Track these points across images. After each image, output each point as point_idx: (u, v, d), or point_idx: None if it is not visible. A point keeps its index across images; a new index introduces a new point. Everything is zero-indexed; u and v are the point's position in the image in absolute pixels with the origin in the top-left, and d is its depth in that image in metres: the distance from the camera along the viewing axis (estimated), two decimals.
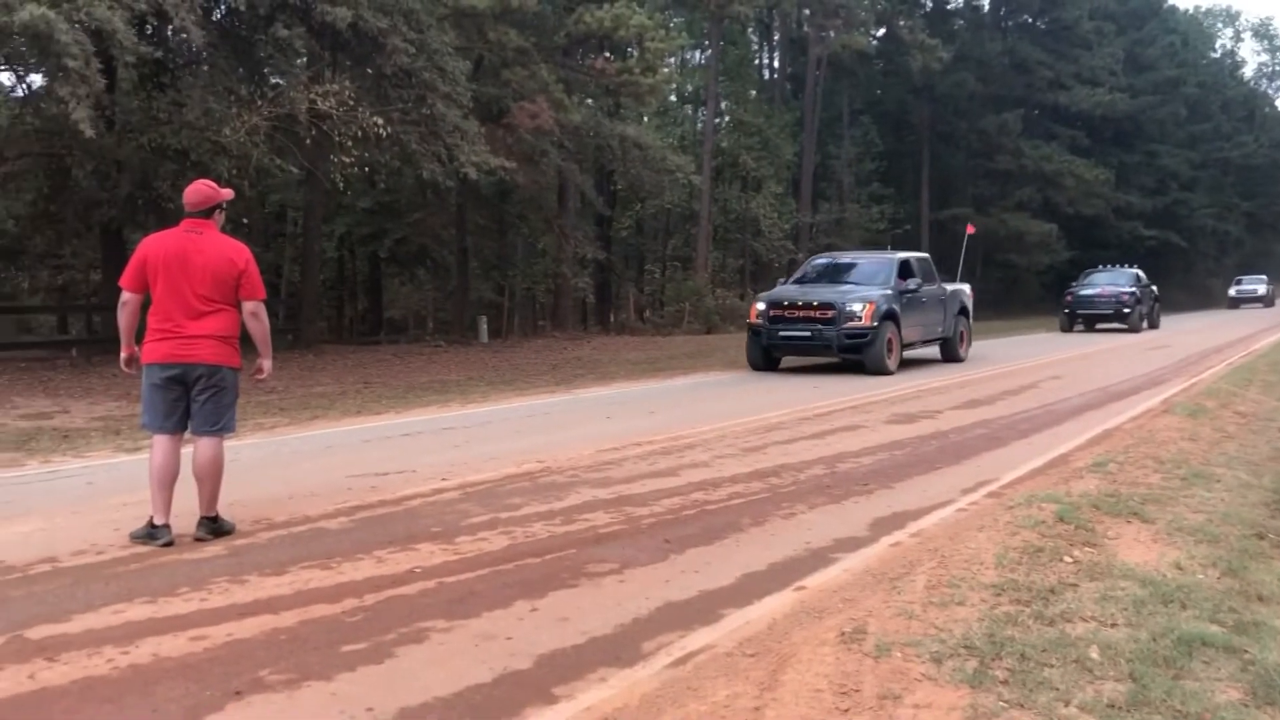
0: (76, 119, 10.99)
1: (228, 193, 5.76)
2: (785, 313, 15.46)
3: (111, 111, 14.19)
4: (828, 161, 41.64)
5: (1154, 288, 30.92)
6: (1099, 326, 29.00)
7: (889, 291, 15.64)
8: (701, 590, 4.62)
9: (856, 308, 15.04)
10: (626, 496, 6.54)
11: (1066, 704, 3.26)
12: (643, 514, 6.06)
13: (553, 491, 6.70)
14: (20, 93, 16.72)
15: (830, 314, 15.08)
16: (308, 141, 15.62)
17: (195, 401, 5.45)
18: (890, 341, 15.29)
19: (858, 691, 3.37)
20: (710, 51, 35.25)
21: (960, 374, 15.52)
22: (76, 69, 10.76)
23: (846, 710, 3.24)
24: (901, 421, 10.12)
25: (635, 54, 24.09)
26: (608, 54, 24.81)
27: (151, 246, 5.51)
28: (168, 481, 5.44)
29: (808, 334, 15.28)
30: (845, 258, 18.31)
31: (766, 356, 16.05)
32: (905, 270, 16.54)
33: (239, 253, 5.54)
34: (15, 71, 16.19)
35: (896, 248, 23.96)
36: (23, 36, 10.53)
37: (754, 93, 41.38)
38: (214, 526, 5.56)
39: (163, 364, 5.39)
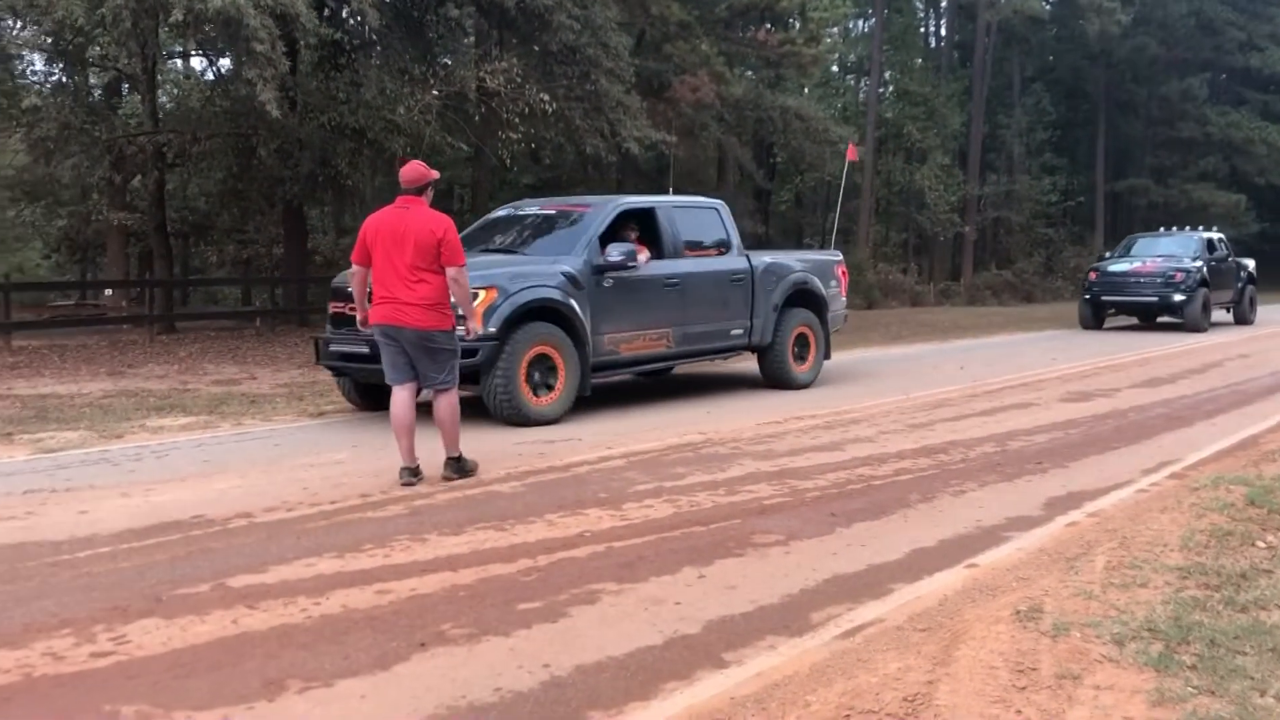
0: (263, 100, 11.59)
1: (435, 173, 6.40)
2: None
3: (294, 92, 14.87)
4: (997, 131, 40.15)
5: (1247, 263, 21.85)
6: (1139, 322, 20.38)
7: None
8: (869, 564, 4.59)
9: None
10: (790, 469, 6.53)
11: (1263, 693, 3.11)
12: (807, 487, 6.05)
13: (715, 462, 6.75)
14: (211, 76, 17.68)
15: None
16: (476, 119, 16.03)
17: (419, 361, 6.16)
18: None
19: (1035, 670, 3.30)
20: (874, 20, 34.45)
21: (1139, 351, 14.81)
22: (263, 52, 11.34)
23: (1024, 688, 3.18)
24: (1075, 400, 9.76)
25: (798, 24, 23.81)
26: (769, 25, 24.54)
27: (370, 223, 6.23)
28: (403, 429, 6.15)
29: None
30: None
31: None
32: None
33: (439, 222, 6.11)
34: (207, 56, 17.12)
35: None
36: (215, 23, 11.14)
37: (920, 61, 40.22)
38: (458, 465, 6.31)
39: (382, 325, 6.16)
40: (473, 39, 17.55)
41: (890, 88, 38.73)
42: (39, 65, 16.61)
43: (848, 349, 15.91)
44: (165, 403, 9.62)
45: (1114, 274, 19.80)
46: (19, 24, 13.29)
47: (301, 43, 12.82)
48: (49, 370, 12.36)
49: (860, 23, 42.12)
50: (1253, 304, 21.77)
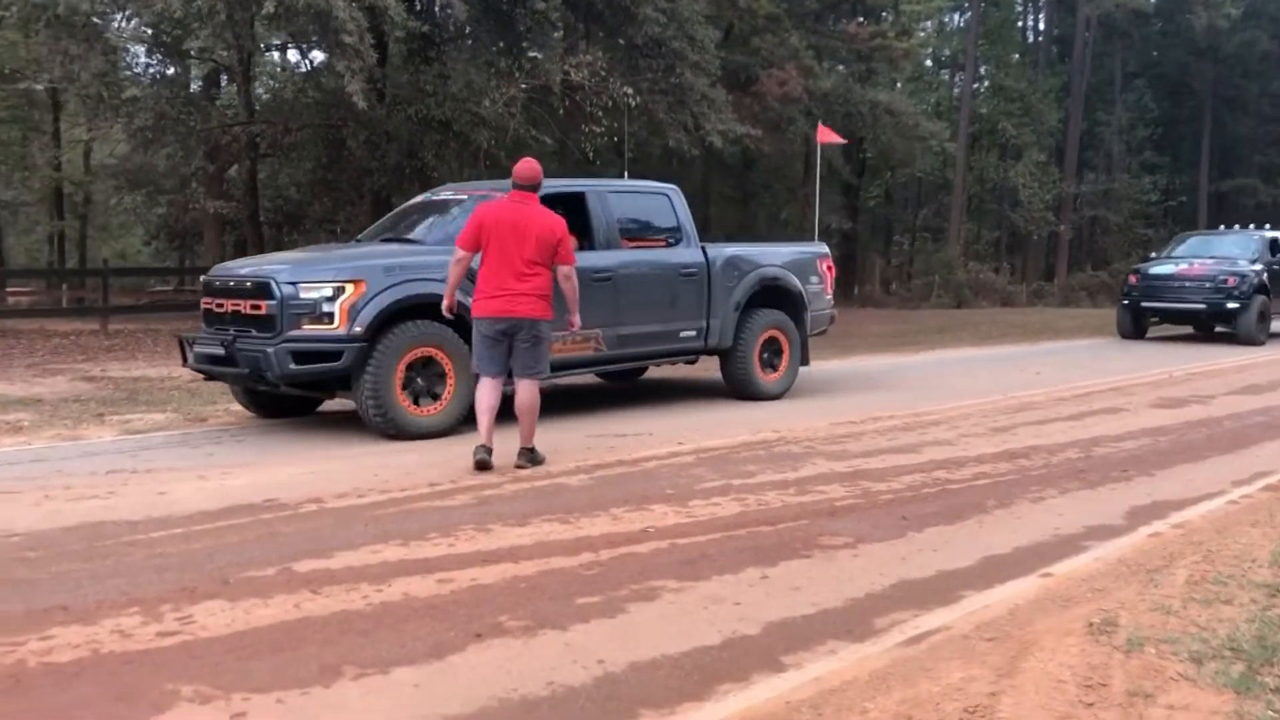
0: (350, 91, 11.78)
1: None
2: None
3: (382, 85, 15.10)
4: (1095, 129, 39.07)
5: None
6: (1181, 332, 18.01)
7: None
8: (939, 570, 4.46)
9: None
10: (863, 471, 6.40)
11: None
12: (880, 489, 5.92)
13: (787, 461, 6.65)
14: (304, 69, 18.04)
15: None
16: (560, 112, 16.09)
17: (517, 349, 6.28)
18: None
19: (1105, 686, 3.16)
20: (970, 14, 33.76)
21: (1241, 357, 14.26)
22: (351, 44, 11.52)
23: (1091, 704, 3.05)
24: (1168, 406, 9.42)
25: (890, 17, 23.42)
26: (861, 18, 24.20)
27: (488, 213, 6.31)
28: (486, 409, 6.30)
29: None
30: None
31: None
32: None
33: (558, 223, 6.33)
34: (300, 49, 17.48)
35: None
36: (306, 15, 11.35)
37: (1016, 56, 39.34)
38: (531, 456, 6.40)
39: (493, 318, 6.22)
40: (561, 33, 17.60)
41: (985, 83, 37.93)
42: (142, 57, 17.11)
43: (931, 349, 15.68)
44: None
45: (1157, 277, 17.37)
46: (122, 16, 13.70)
47: (390, 35, 12.99)
48: (143, 353, 12.75)
49: (956, 16, 41.34)
50: None
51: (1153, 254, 20.49)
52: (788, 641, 3.64)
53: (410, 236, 8.48)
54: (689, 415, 8.62)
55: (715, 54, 17.15)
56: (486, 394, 6.32)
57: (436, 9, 15.01)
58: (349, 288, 7.08)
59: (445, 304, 6.46)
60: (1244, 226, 19.22)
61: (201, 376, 8.25)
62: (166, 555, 4.50)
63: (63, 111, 24.06)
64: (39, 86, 20.12)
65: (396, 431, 7.17)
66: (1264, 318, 16.64)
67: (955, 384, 10.97)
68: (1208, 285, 16.68)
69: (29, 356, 12.31)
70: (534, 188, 6.37)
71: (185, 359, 7.98)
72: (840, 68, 26.82)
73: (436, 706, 3.07)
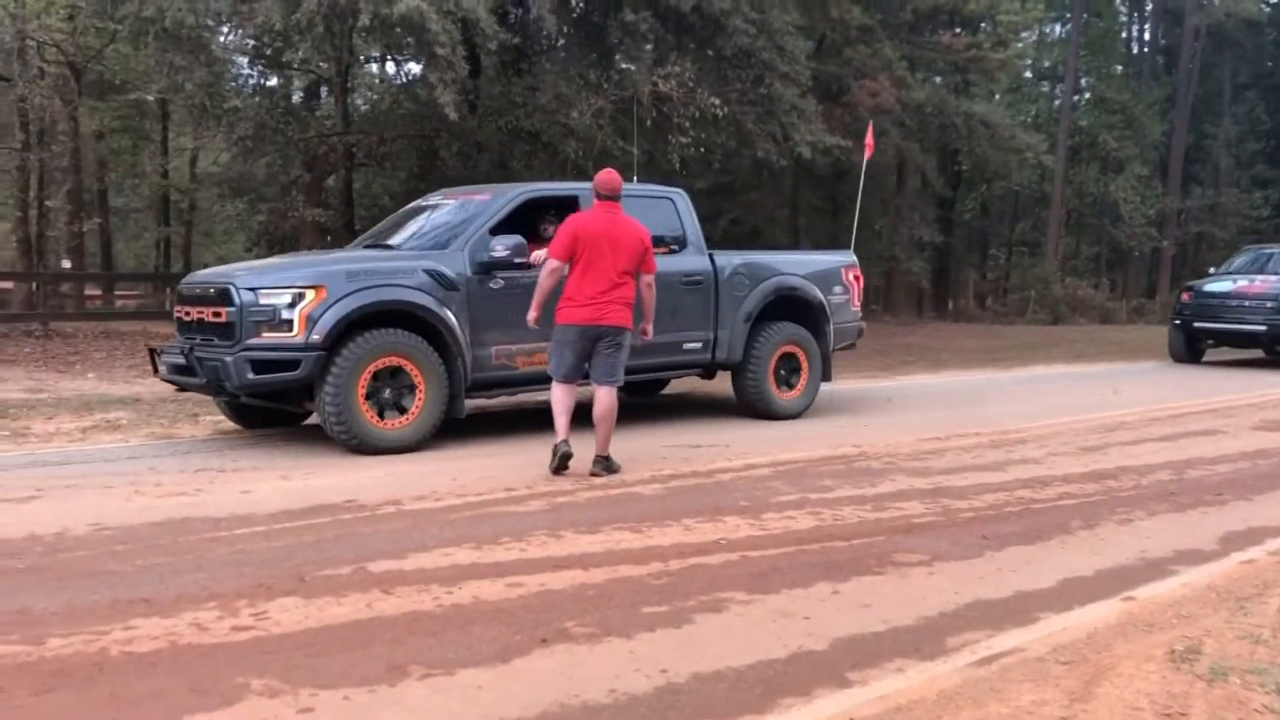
0: (442, 103, 12.00)
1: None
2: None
3: (475, 96, 15.33)
4: (1203, 142, 37.82)
5: None
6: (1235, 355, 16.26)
7: None
8: (1017, 590, 4.35)
9: None
10: (945, 488, 6.28)
11: None
12: (960, 507, 5.80)
13: (866, 477, 6.55)
14: (400, 81, 18.44)
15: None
16: (648, 123, 16.15)
17: (599, 355, 6.35)
18: None
19: (1184, 715, 3.05)
20: (1071, 24, 33.00)
21: None
22: (444, 56, 11.75)
23: None
24: (1270, 428, 9.05)
25: (987, 28, 23.04)
26: (958, 29, 23.83)
27: (582, 224, 6.36)
28: (563, 409, 6.37)
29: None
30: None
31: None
32: None
33: (644, 233, 6.45)
34: (395, 60, 17.86)
35: None
36: (401, 28, 11.61)
37: (1120, 68, 38.32)
38: (606, 464, 6.44)
39: (583, 325, 6.28)
40: (651, 45, 17.68)
41: (1086, 95, 37.02)
42: (244, 69, 17.66)
43: (1024, 366, 15.35)
44: None
45: (1212, 295, 15.43)
46: (226, 29, 14.17)
47: (482, 48, 13.21)
48: None
49: (1056, 27, 40.45)
50: None
51: (1211, 269, 18.57)
52: (855, 658, 3.58)
53: (388, 242, 8.20)
54: (768, 428, 8.55)
55: (806, 65, 17.04)
56: (563, 395, 6.40)
57: (529, 22, 15.19)
58: (308, 294, 6.79)
59: (531, 315, 6.46)
60: None
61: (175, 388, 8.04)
62: (246, 552, 4.61)
63: (170, 121, 24.95)
64: (149, 97, 20.91)
65: (359, 446, 6.84)
66: None
67: (1046, 401, 10.70)
68: (1269, 304, 14.79)
69: (131, 358, 12.76)
70: (616, 197, 6.43)
71: (156, 370, 7.72)
72: (937, 79, 26.43)
73: (499, 709, 3.09)
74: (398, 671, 3.35)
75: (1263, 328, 14.70)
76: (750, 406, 8.91)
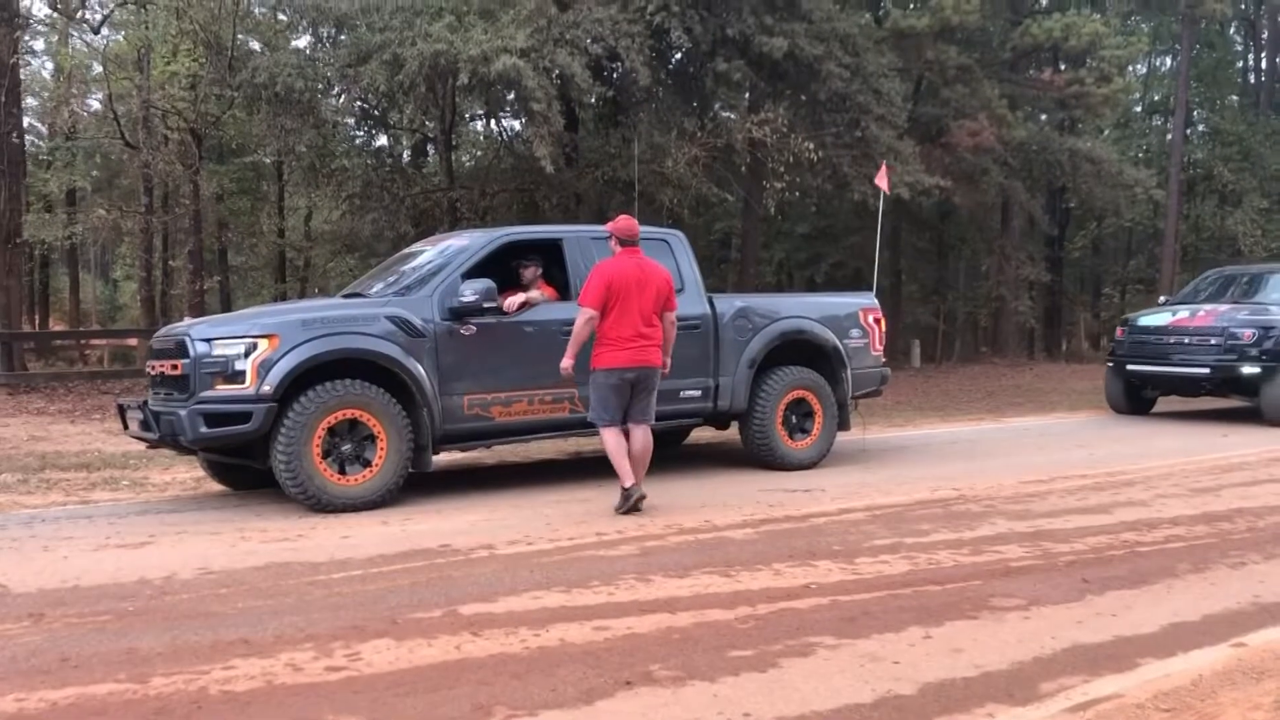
0: (539, 156, 12.29)
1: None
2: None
3: (572, 148, 15.65)
4: None
5: None
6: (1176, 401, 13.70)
7: None
8: (1117, 635, 4.20)
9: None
10: (1046, 531, 6.11)
11: None
12: (1061, 550, 5.63)
13: (964, 520, 6.42)
14: (502, 136, 18.95)
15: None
16: (743, 169, 16.25)
17: (638, 396, 6.63)
18: None
19: None
20: (1181, 56, 32.16)
21: None
22: (540, 111, 12.06)
23: None
24: None
25: (1091, 64, 22.56)
26: (1062, 65, 23.43)
27: (613, 271, 6.56)
28: (624, 452, 6.58)
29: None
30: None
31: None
32: None
33: (667, 274, 6.83)
34: (496, 116, 18.37)
35: None
36: (499, 85, 11.96)
37: (1235, 98, 37.12)
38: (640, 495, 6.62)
39: (625, 368, 6.52)
40: (748, 93, 17.81)
41: (1200, 127, 35.93)
42: (354, 130, 18.32)
43: None
44: None
45: (1147, 330, 12.67)
46: (335, 91, 14.77)
47: (577, 101, 13.53)
48: None
49: (1167, 60, 39.44)
50: None
51: (1163, 297, 15.65)
52: (943, 703, 3.50)
53: (361, 291, 7.94)
54: (866, 472, 8.44)
55: (903, 106, 16.96)
56: (615, 441, 6.59)
57: (623, 75, 15.46)
58: (261, 343, 6.53)
59: (565, 363, 6.59)
60: None
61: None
62: (343, 595, 4.74)
63: (285, 182, 25.98)
64: (265, 159, 21.84)
65: (317, 503, 6.54)
66: None
67: (1157, 443, 10.31)
68: (1214, 341, 11.91)
69: None
70: (636, 241, 6.74)
71: (125, 426, 7.49)
72: (1041, 116, 25.99)
73: None
74: (481, 711, 3.39)
75: (1206, 370, 11.89)
76: (757, 457, 8.48)
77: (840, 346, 8.80)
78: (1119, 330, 13.42)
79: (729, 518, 6.45)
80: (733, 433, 8.91)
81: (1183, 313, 12.60)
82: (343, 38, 14.37)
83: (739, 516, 6.49)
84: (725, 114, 17.60)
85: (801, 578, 5.04)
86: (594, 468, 8.63)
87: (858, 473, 8.42)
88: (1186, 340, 12.13)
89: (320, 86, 14.01)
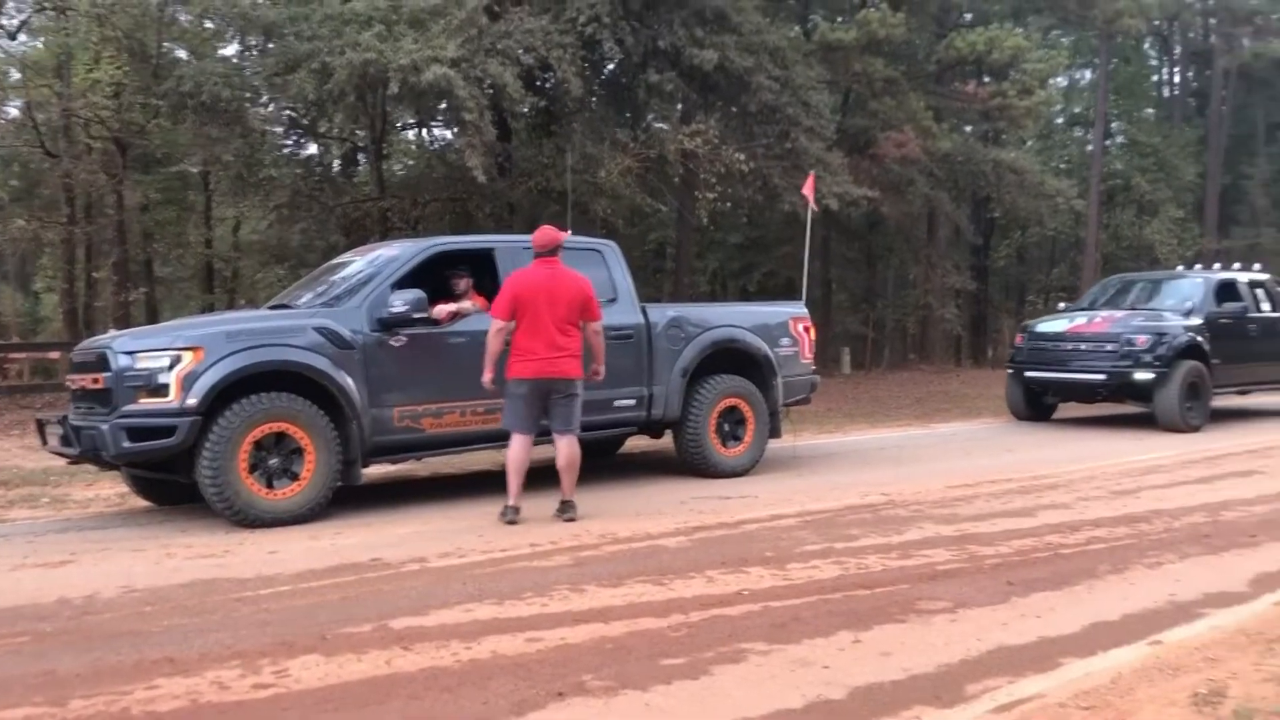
0: (471, 166, 12.26)
1: (565, 234, 6.81)
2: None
3: (504, 158, 15.62)
4: (1239, 182, 37.55)
5: None
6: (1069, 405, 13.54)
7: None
8: (1041, 636, 4.30)
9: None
10: (972, 535, 6.23)
11: None
12: (987, 553, 5.75)
13: (893, 525, 6.52)
14: (433, 145, 18.86)
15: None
16: (676, 180, 16.35)
17: (554, 406, 6.61)
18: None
19: None
20: (1099, 70, 33.05)
21: None
22: (471, 120, 12.03)
23: None
24: None
25: (1014, 76, 23.09)
26: (986, 78, 23.95)
27: (520, 282, 6.57)
28: (518, 470, 6.62)
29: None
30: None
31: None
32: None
33: (585, 283, 6.73)
34: (428, 126, 18.28)
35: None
36: (429, 94, 11.90)
37: (1150, 111, 38.23)
38: (573, 508, 6.71)
39: (533, 379, 6.53)
40: (680, 104, 17.93)
41: (1119, 139, 36.93)
42: (283, 139, 18.07)
43: (1062, 411, 15.09)
44: None
45: (1044, 337, 12.76)
46: (264, 99, 14.57)
47: (509, 111, 13.53)
48: None
49: (1086, 73, 40.48)
50: None
51: (1062, 304, 15.75)
52: (872, 706, 3.55)
53: (289, 302, 7.82)
54: (798, 478, 8.54)
55: (831, 118, 17.20)
56: (519, 451, 6.63)
57: (556, 85, 15.48)
58: (186, 356, 6.39)
59: (486, 376, 6.59)
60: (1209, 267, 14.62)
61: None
62: (271, 611, 4.67)
63: (212, 192, 25.53)
64: (192, 169, 21.44)
65: (244, 518, 6.42)
66: (1196, 392, 11.83)
67: (1080, 447, 10.57)
68: (1109, 348, 11.98)
69: None
70: (552, 252, 6.66)
71: (44, 442, 7.32)
72: (968, 128, 26.54)
73: None
74: None
75: (1102, 376, 11.96)
76: (691, 465, 8.51)
77: (771, 355, 8.87)
78: (1018, 337, 13.56)
79: (663, 525, 6.47)
80: (666, 441, 8.94)
81: (1080, 319, 12.75)
82: (270, 46, 14.18)
83: (673, 524, 6.52)
84: (658, 125, 17.71)
85: (734, 584, 5.08)
86: (528, 478, 8.59)
87: (789, 479, 8.50)
88: (1083, 346, 12.24)
89: (248, 95, 13.82)
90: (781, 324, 9.18)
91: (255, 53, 14.88)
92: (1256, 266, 14.51)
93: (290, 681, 3.78)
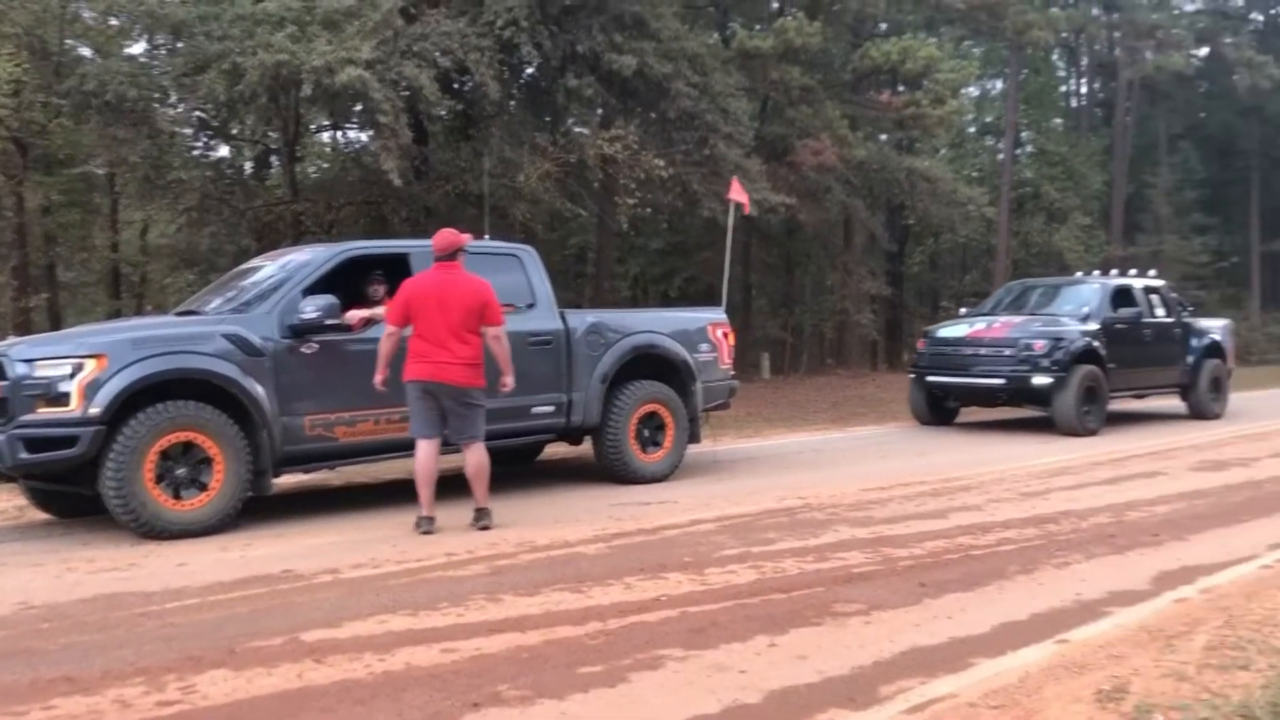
0: (386, 169, 12.10)
1: (467, 237, 6.69)
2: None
3: (421, 161, 15.45)
4: (1143, 191, 38.81)
5: (1208, 327, 14.58)
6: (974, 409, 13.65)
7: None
8: (952, 637, 4.37)
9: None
10: (886, 537, 6.32)
11: None
12: (900, 555, 5.83)
13: (809, 528, 6.58)
14: (347, 148, 18.60)
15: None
16: (596, 185, 16.34)
17: (452, 415, 6.48)
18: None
19: None
20: (1009, 80, 33.89)
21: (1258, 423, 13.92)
22: (387, 123, 11.88)
23: None
24: (1208, 469, 9.21)
25: (927, 86, 23.55)
26: (900, 87, 24.39)
27: (413, 286, 6.47)
28: (426, 480, 6.50)
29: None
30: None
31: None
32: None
33: (482, 286, 6.53)
34: (342, 128, 18.02)
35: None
36: (344, 97, 11.73)
37: (1059, 121, 39.32)
38: (487, 516, 6.63)
39: (423, 381, 6.41)
40: (600, 111, 17.93)
41: (1028, 148, 37.91)
42: (192, 141, 17.65)
43: (973, 415, 15.39)
44: None
45: (945, 342, 12.88)
46: (172, 100, 14.20)
47: (426, 114, 13.39)
48: None
49: (997, 83, 41.48)
50: (1218, 388, 14.21)
51: (963, 309, 15.63)
52: (787, 710, 3.58)
53: (197, 308, 7.64)
54: (717, 483, 8.58)
55: (750, 125, 17.35)
56: (422, 460, 6.50)
57: (474, 88, 15.37)
58: (88, 364, 6.19)
59: (377, 378, 6.53)
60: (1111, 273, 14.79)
61: None
62: (177, 625, 4.55)
63: (119, 194, 24.83)
64: (99, 171, 20.81)
65: (150, 530, 6.23)
66: (1093, 396, 12.00)
67: (989, 450, 10.79)
68: (1008, 353, 12.07)
69: None
70: (452, 256, 6.51)
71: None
72: (883, 137, 26.99)
73: None
74: None
75: (1001, 381, 12.05)
76: (611, 471, 8.47)
77: (690, 360, 8.88)
78: (920, 342, 13.70)
79: (581, 533, 6.45)
80: (586, 448, 8.92)
81: (979, 324, 12.86)
82: (179, 45, 13.82)
83: (591, 531, 6.50)
84: (578, 130, 17.67)
85: (652, 590, 5.08)
86: (444, 486, 8.50)
87: (709, 484, 8.54)
88: (983, 351, 12.33)
89: (155, 95, 13.44)
90: (701, 329, 9.21)
91: (164, 52, 14.48)
92: (1152, 272, 15.00)
93: (197, 698, 3.68)
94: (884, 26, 26.96)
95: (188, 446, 6.39)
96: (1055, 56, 40.68)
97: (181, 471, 6.39)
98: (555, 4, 14.38)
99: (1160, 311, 13.77)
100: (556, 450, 9.64)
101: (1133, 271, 14.78)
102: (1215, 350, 14.18)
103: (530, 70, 16.64)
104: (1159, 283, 14.34)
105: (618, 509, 7.30)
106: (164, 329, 6.82)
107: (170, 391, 6.39)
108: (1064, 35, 34.17)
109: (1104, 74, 40.48)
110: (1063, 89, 42.67)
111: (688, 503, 7.56)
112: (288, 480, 7.80)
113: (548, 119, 17.35)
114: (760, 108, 22.20)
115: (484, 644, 4.27)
